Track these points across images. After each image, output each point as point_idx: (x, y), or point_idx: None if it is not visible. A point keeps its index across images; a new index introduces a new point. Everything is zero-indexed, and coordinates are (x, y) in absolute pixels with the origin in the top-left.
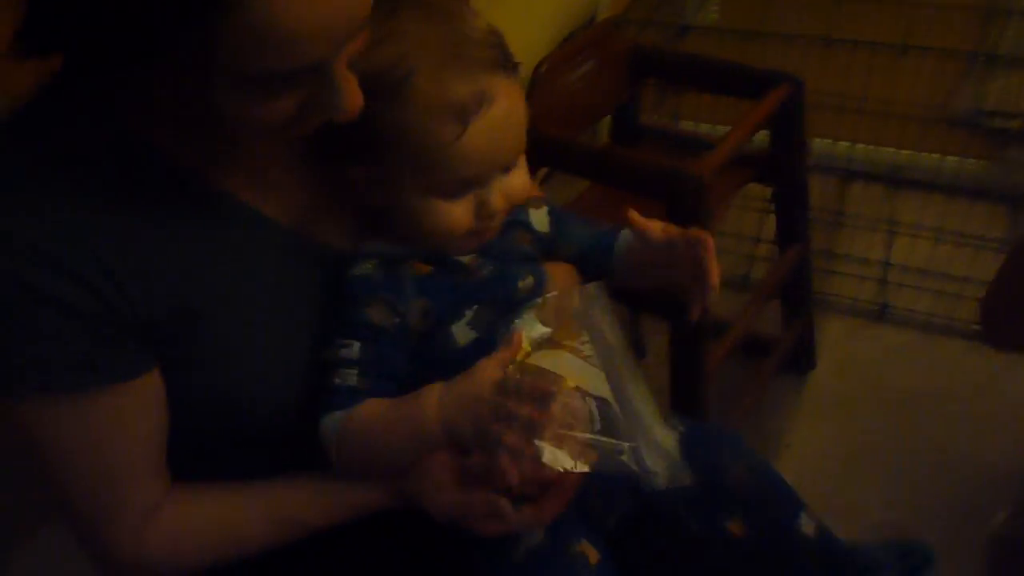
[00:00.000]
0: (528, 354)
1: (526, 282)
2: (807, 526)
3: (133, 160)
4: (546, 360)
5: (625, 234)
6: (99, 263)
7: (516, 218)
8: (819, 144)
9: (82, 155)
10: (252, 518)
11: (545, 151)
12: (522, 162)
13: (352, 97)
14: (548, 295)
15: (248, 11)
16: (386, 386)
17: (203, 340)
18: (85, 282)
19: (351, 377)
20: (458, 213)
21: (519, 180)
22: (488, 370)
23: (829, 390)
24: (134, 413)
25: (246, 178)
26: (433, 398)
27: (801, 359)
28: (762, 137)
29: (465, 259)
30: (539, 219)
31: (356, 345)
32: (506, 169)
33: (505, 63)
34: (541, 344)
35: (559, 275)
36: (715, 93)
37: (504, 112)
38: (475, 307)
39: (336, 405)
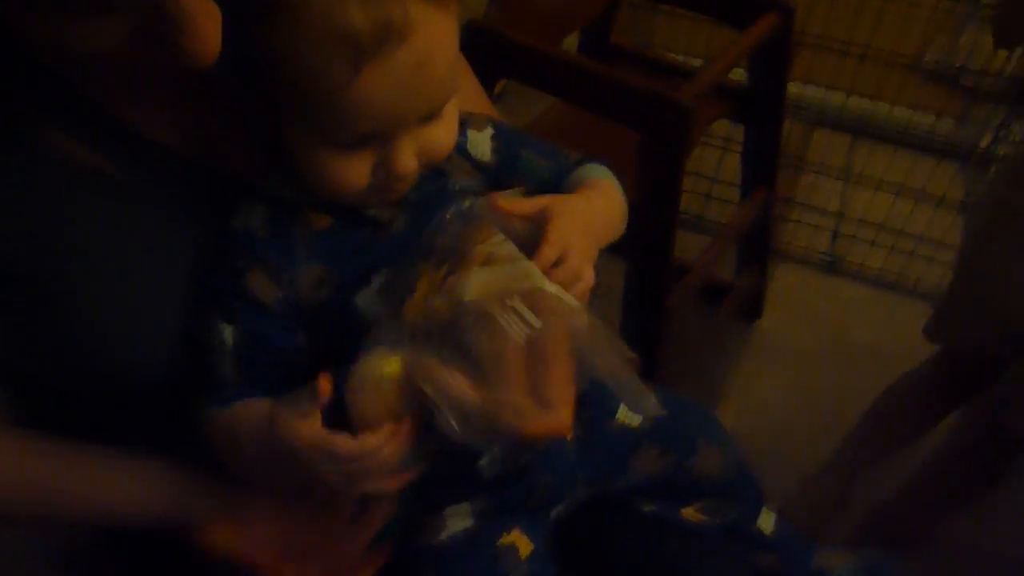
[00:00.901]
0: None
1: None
2: (767, 524)
3: None
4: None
5: (593, 169)
6: None
7: None
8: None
9: None
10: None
11: (506, 58)
12: (449, 111)
13: (202, 39)
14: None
15: None
16: (270, 374)
17: (62, 289)
18: None
19: (226, 365)
20: (352, 170)
21: (442, 134)
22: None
23: (775, 340)
24: None
25: (128, 93)
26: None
27: (750, 307)
28: (736, 73)
29: (374, 212)
30: (481, 144)
31: (229, 329)
32: (425, 119)
33: None
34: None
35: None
36: (697, 12)
37: (421, 54)
38: (385, 271)
39: (211, 398)
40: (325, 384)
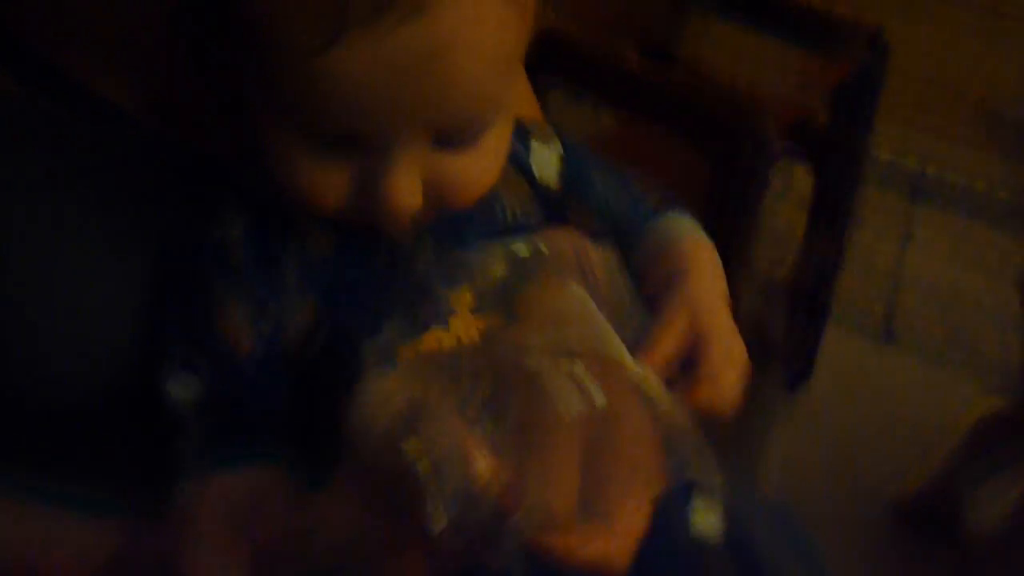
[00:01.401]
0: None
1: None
2: None
3: None
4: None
5: (680, 224)
6: None
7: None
8: None
9: None
10: None
11: (560, 64)
12: (489, 143)
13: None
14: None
15: None
16: (242, 442)
17: None
18: None
19: (193, 427)
20: (326, 182)
21: (469, 171)
22: None
23: (821, 407)
24: None
25: (98, 62)
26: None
27: (799, 370)
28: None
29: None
30: (547, 161)
31: (195, 382)
32: (441, 140)
33: None
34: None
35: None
36: (774, 35)
37: (439, 40)
38: (402, 313)
39: (184, 468)
40: None
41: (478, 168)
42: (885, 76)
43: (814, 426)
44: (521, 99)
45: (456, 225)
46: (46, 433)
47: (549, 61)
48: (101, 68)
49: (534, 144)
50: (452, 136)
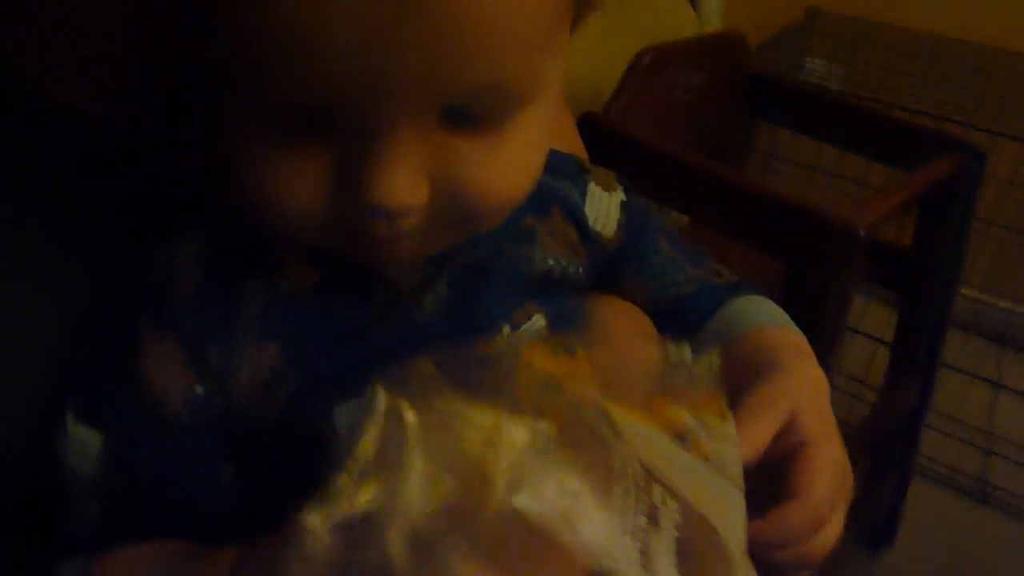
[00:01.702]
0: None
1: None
2: None
3: None
4: None
5: (760, 306)
6: None
7: (554, 191)
8: None
9: None
10: None
11: (623, 159)
12: (523, 127)
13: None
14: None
15: None
16: (162, 526)
17: None
18: None
19: (88, 503)
20: (296, 177)
21: (493, 163)
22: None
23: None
24: None
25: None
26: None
27: (880, 531)
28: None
29: (393, 270)
30: (606, 210)
31: (96, 444)
32: (453, 119)
33: None
34: None
35: (617, 321)
36: (853, 151)
37: None
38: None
39: (62, 543)
40: None
41: (503, 163)
42: (980, 188)
43: None
44: (568, 134)
45: (475, 267)
46: None
47: (614, 158)
48: (47, 71)
49: (591, 187)
50: (467, 113)
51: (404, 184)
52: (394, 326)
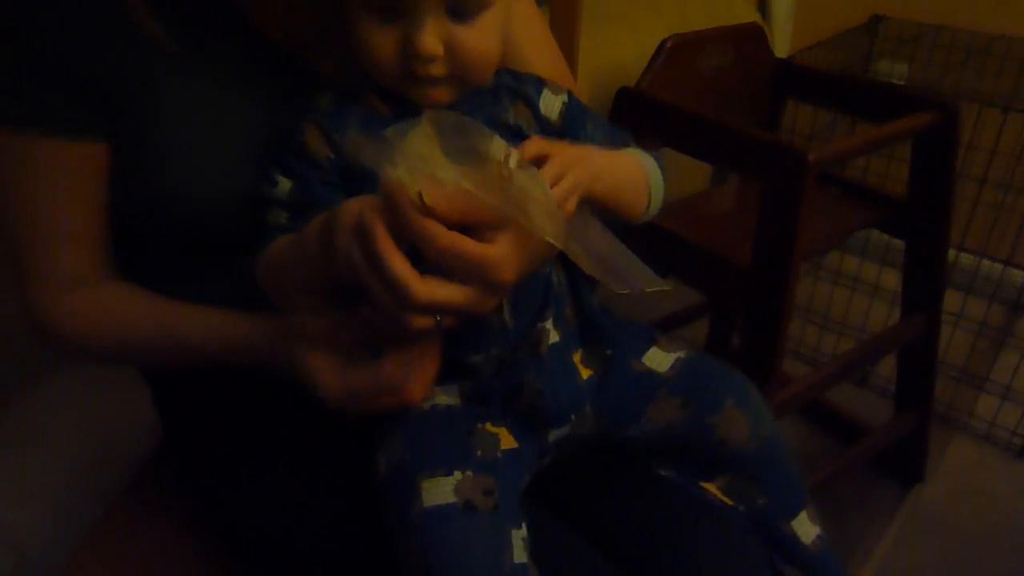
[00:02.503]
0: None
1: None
2: (804, 532)
3: None
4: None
5: (639, 153)
6: (47, 14)
7: (521, 88)
8: (989, 267)
9: None
10: (143, 324)
11: (645, 117)
12: (486, 21)
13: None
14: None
15: None
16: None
17: (152, 119)
18: (28, 16)
19: (282, 218)
20: (381, 40)
21: (473, 39)
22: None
23: (936, 512)
24: (74, 175)
25: None
26: (319, 217)
27: (907, 466)
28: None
29: (426, 108)
30: (553, 105)
31: (286, 184)
32: (453, 13)
33: None
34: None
35: None
36: (863, 119)
37: None
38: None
39: (263, 245)
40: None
41: (480, 39)
42: (956, 139)
43: (925, 528)
44: (551, 58)
45: (470, 111)
46: (178, 260)
47: (639, 117)
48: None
49: (545, 91)
50: (459, 10)
51: (431, 43)
52: None
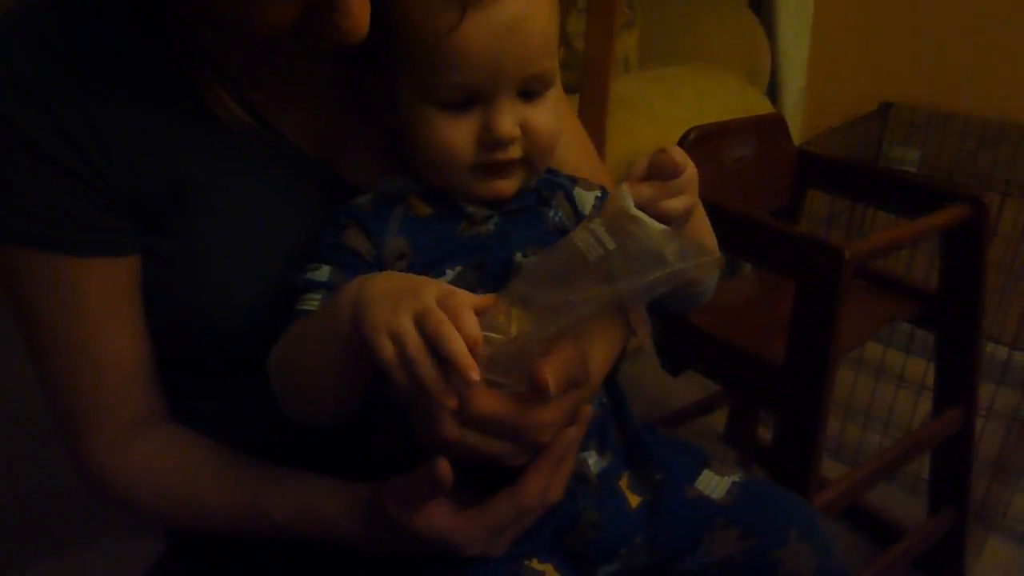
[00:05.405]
0: None
1: (530, 257)
2: None
3: (174, 64)
4: None
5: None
6: (88, 123)
7: (558, 181)
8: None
9: (103, 38)
10: (214, 487)
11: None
12: (551, 99)
13: (352, 16)
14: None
15: None
16: None
17: (186, 233)
18: (73, 138)
19: (313, 303)
20: (458, 132)
21: (543, 117)
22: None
23: None
24: (122, 296)
25: (276, 101)
26: (355, 283)
27: (945, 567)
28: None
29: (471, 208)
30: (584, 201)
31: (326, 268)
32: (524, 94)
33: None
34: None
35: None
36: (886, 210)
37: (517, 14)
38: (460, 267)
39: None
40: (445, 468)
41: (546, 116)
42: (986, 233)
43: None
44: (583, 148)
45: (513, 214)
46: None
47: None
48: (289, 115)
49: (577, 189)
50: (529, 88)
51: (510, 125)
52: (465, 237)
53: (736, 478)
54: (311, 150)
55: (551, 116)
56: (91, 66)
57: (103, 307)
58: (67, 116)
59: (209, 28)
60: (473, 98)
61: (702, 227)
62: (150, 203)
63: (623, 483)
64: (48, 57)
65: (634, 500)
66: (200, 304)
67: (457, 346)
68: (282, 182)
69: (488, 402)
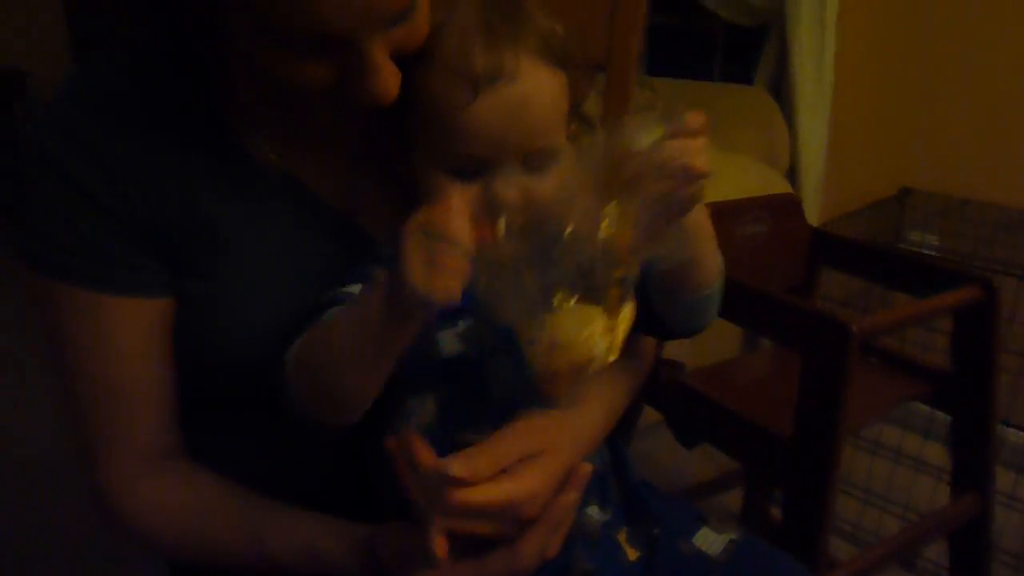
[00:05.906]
0: None
1: None
2: None
3: (212, 128)
4: None
5: None
6: (128, 165)
7: None
8: None
9: (153, 93)
10: (223, 523)
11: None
12: (558, 171)
13: (384, 83)
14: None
15: None
16: None
17: (215, 274)
18: (113, 178)
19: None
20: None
21: (545, 188)
22: None
23: None
24: (150, 335)
25: (299, 151)
26: (382, 287)
27: None
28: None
29: None
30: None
31: (357, 287)
32: (529, 166)
33: (549, 53)
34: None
35: None
36: (899, 290)
37: (524, 94)
38: (473, 320)
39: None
40: (441, 547)
41: (549, 187)
42: (998, 316)
43: None
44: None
45: None
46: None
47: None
48: (314, 170)
49: None
50: (534, 160)
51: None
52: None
53: (733, 536)
54: (331, 200)
55: (553, 186)
56: (136, 114)
57: (130, 344)
58: (110, 159)
59: (250, 83)
60: (481, 169)
61: (708, 247)
62: (182, 243)
63: (622, 537)
64: (97, 104)
65: (632, 554)
66: (226, 344)
67: None
68: (305, 230)
69: (466, 495)
